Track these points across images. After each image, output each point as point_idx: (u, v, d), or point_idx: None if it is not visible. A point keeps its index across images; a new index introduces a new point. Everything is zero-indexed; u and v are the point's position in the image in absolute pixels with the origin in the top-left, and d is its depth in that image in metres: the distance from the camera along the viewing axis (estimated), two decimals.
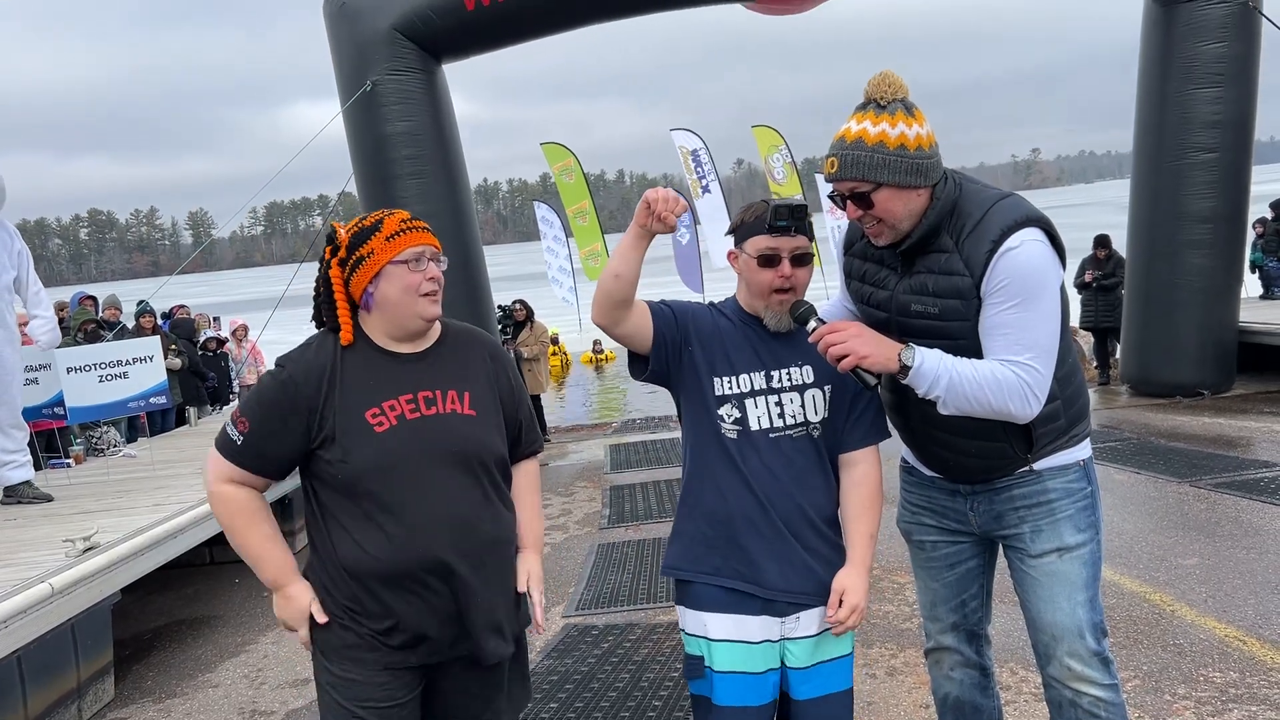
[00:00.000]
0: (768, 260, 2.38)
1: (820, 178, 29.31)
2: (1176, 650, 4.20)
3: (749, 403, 2.42)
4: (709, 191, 26.45)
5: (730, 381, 2.43)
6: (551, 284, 27.72)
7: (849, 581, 2.39)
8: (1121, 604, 4.77)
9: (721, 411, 2.42)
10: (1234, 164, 9.92)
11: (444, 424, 2.29)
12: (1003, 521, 2.58)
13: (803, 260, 2.39)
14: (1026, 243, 2.31)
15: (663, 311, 2.44)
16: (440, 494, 2.25)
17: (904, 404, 2.55)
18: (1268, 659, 4.03)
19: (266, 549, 2.29)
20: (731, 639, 2.40)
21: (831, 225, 26.31)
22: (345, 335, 2.29)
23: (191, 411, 11.42)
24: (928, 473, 2.70)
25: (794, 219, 2.34)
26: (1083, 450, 2.58)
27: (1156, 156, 10.19)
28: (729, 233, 2.49)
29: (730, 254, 2.50)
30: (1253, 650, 4.13)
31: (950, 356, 2.35)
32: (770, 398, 2.43)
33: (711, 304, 2.56)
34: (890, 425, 2.62)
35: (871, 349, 2.30)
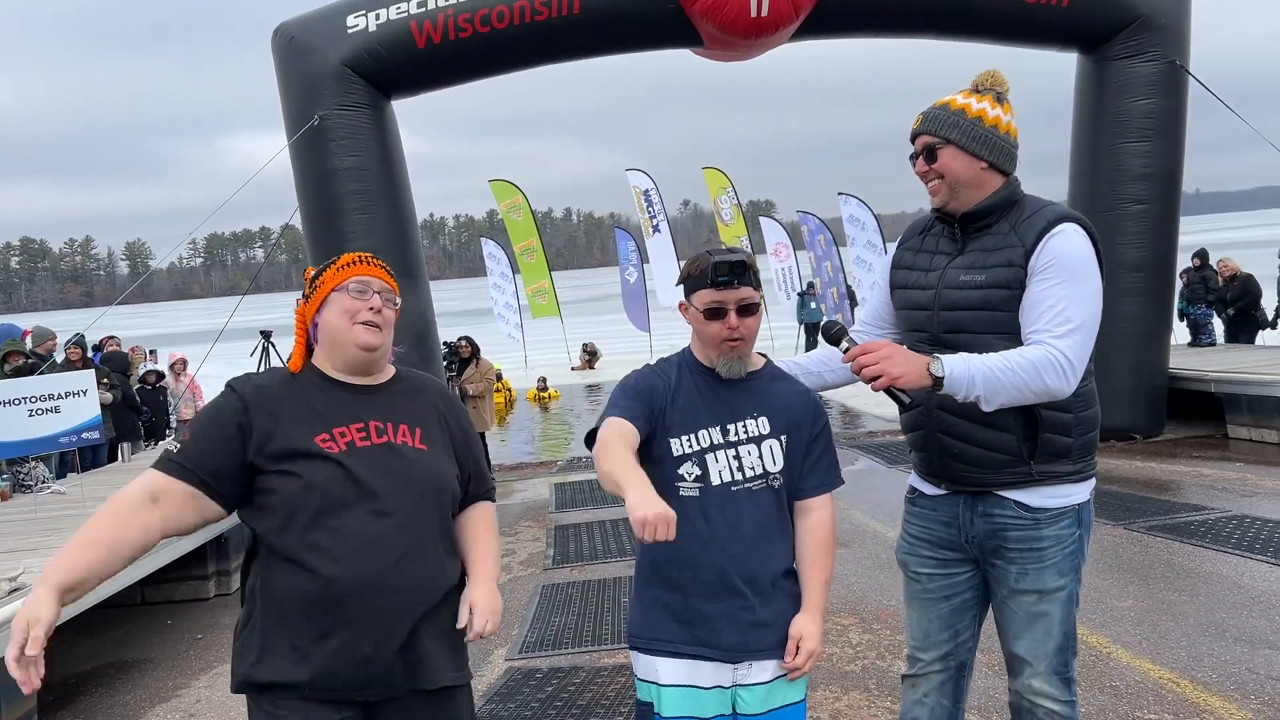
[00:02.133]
0: (714, 313, 2.41)
1: (764, 221, 29.68)
2: (1114, 692, 4.27)
3: (709, 458, 2.42)
4: (659, 230, 26.67)
5: (689, 440, 2.43)
6: (498, 320, 27.64)
7: (806, 628, 2.41)
8: None
9: (682, 470, 2.41)
10: (1163, 215, 10.26)
11: (395, 452, 2.27)
12: (995, 552, 2.67)
13: (749, 310, 2.42)
14: (1075, 233, 2.54)
15: (640, 413, 2.39)
16: (386, 523, 2.21)
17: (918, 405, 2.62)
18: (1200, 700, 4.11)
19: (80, 544, 2.12)
20: (682, 684, 2.39)
21: (776, 268, 26.67)
22: (295, 363, 2.33)
23: (125, 447, 11.15)
24: (931, 491, 2.77)
25: (734, 274, 2.38)
26: (1083, 491, 2.66)
27: (1090, 207, 10.48)
28: (678, 283, 2.52)
29: (680, 305, 2.53)
30: (1185, 692, 4.21)
31: (975, 355, 2.45)
32: (728, 451, 2.43)
33: (662, 359, 2.56)
34: (904, 436, 2.76)
35: (903, 369, 2.41)
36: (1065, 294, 2.47)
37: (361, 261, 2.35)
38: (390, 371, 2.42)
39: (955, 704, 2.85)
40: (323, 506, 2.18)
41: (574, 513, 9.04)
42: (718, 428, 2.44)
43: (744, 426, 2.45)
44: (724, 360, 2.45)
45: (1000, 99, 2.64)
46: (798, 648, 2.39)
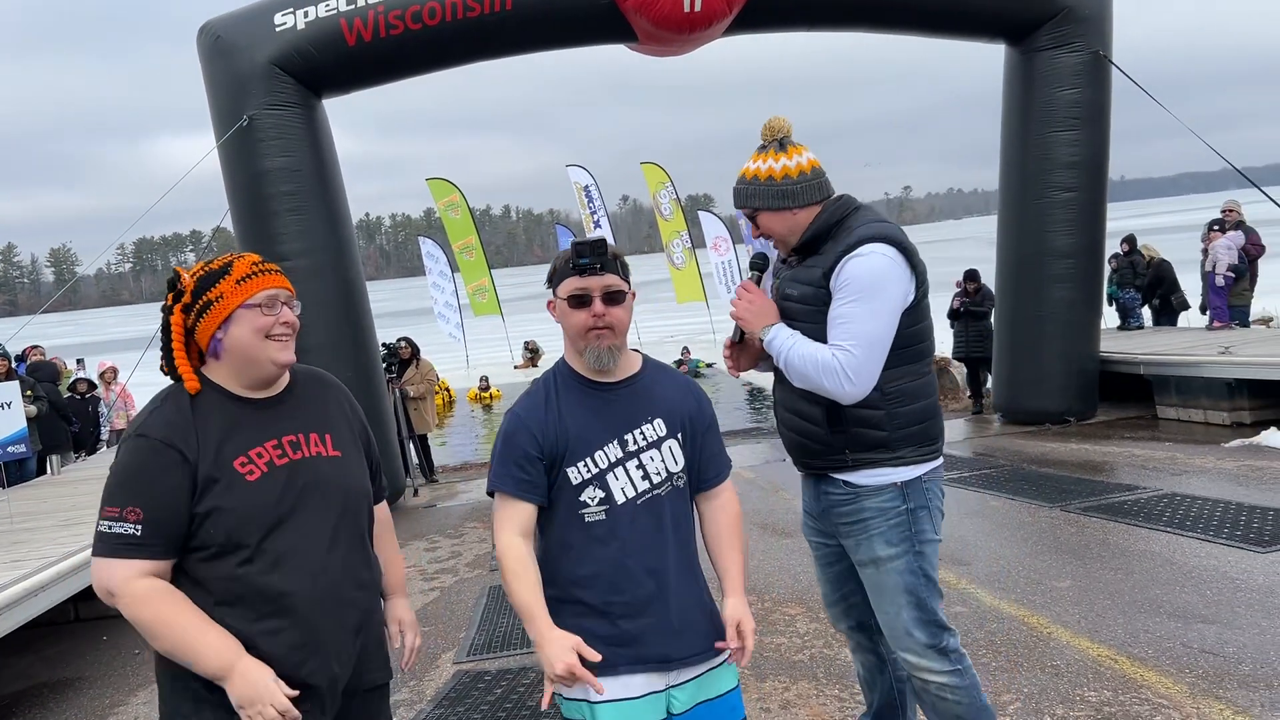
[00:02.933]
0: (579, 301, 2.36)
1: (703, 215, 29.84)
2: (1054, 671, 4.36)
3: (609, 478, 2.37)
4: (599, 226, 26.66)
5: (586, 465, 2.36)
6: (438, 320, 27.41)
7: (740, 611, 2.43)
8: (1002, 628, 4.93)
9: (584, 497, 2.36)
10: (1091, 202, 10.50)
11: (314, 467, 2.22)
12: (836, 527, 3.05)
13: (615, 299, 2.37)
14: (873, 253, 2.81)
15: (532, 482, 2.35)
16: (319, 539, 2.17)
17: (778, 378, 3.06)
18: (1137, 676, 4.21)
19: (204, 631, 2.06)
20: (614, 699, 2.32)
21: (716, 261, 26.79)
22: (192, 384, 2.16)
23: (54, 460, 10.84)
24: (799, 472, 3.18)
25: (595, 255, 2.34)
26: (906, 473, 2.93)
27: (1020, 195, 10.71)
28: (547, 283, 2.47)
29: (549, 304, 2.47)
30: (1124, 669, 4.31)
31: (799, 337, 2.89)
32: (630, 463, 2.39)
33: (536, 382, 2.49)
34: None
35: (751, 317, 2.99)
36: (856, 311, 2.78)
37: (261, 272, 2.20)
38: (287, 376, 2.32)
39: (877, 655, 3.24)
40: (250, 535, 2.10)
41: None
42: (615, 442, 2.38)
43: (641, 434, 2.41)
44: (591, 351, 2.37)
45: (783, 145, 2.99)
46: (739, 633, 2.40)
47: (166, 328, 2.20)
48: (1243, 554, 5.66)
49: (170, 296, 2.21)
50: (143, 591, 2.05)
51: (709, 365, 20.75)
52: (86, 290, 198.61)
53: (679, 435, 2.42)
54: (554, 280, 2.43)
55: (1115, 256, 14.27)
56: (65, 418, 11.02)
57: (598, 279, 2.35)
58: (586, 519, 2.35)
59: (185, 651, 2.06)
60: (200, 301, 2.16)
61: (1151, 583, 5.37)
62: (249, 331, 2.16)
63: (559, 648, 2.20)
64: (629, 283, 2.40)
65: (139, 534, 2.04)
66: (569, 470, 2.35)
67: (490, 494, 2.39)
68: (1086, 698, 4.06)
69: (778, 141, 3.00)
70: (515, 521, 2.34)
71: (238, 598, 2.10)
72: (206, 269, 2.20)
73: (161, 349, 2.22)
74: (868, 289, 2.77)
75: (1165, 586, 5.29)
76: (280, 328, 2.18)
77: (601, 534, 2.34)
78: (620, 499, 2.36)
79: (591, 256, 2.34)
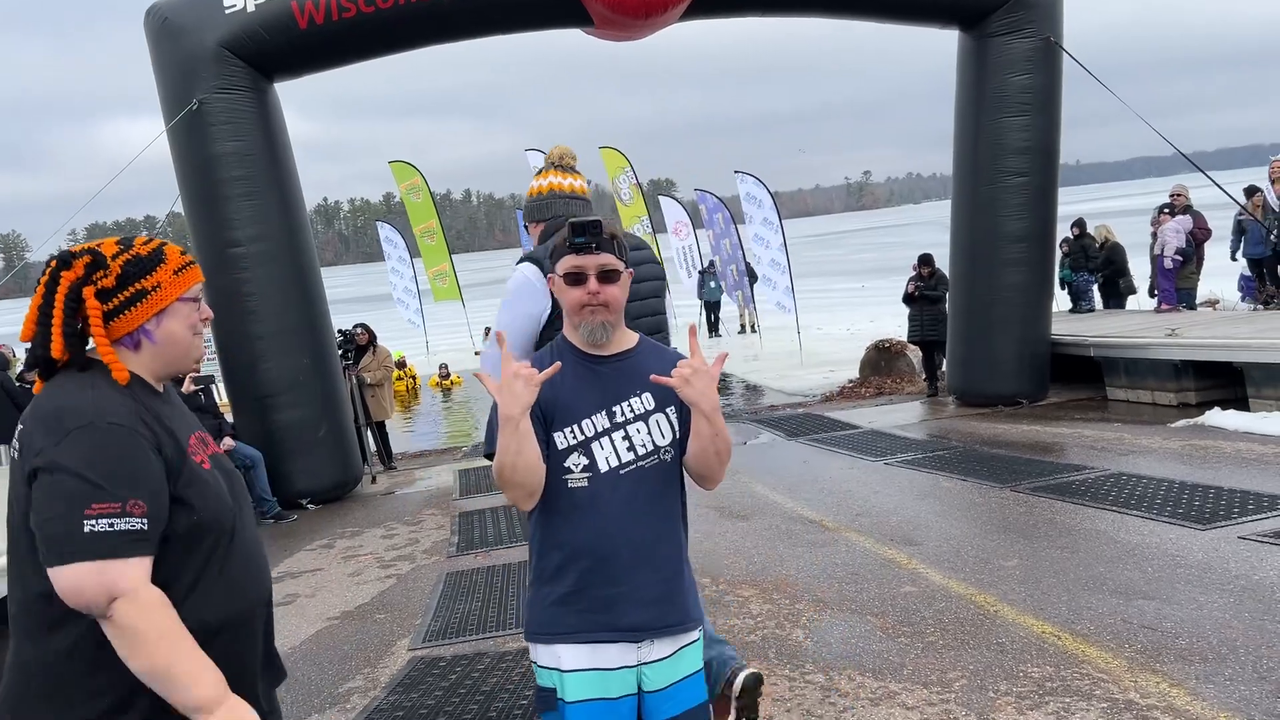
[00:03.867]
0: (575, 278, 2.44)
1: (663, 200, 29.74)
2: (999, 649, 4.45)
3: (594, 445, 2.43)
4: None
5: (572, 431, 2.43)
6: (397, 305, 27.21)
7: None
8: (950, 607, 5.01)
9: (568, 463, 2.41)
10: (1042, 187, 10.63)
11: (222, 461, 2.18)
12: None
13: (610, 277, 2.43)
14: (516, 270, 3.53)
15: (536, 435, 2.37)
16: (251, 534, 2.15)
17: None
18: (1079, 652, 4.31)
19: (202, 656, 1.88)
20: (585, 668, 2.39)
21: (677, 246, 26.83)
22: (122, 375, 1.97)
23: (4, 450, 10.66)
24: None
25: (590, 234, 2.41)
26: None
27: (973, 180, 10.83)
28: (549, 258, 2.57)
29: (549, 278, 2.56)
30: (1066, 645, 4.41)
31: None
32: (616, 434, 2.45)
33: (537, 354, 2.55)
34: None
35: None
36: (500, 313, 3.47)
37: (191, 264, 2.10)
38: None
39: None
40: (212, 530, 2.00)
41: (478, 499, 8.98)
42: (603, 413, 2.45)
43: (629, 406, 2.47)
44: (585, 326, 2.45)
45: (552, 168, 3.81)
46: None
47: (74, 309, 1.96)
48: (1183, 531, 5.80)
49: (73, 275, 1.97)
50: (156, 598, 1.85)
51: None
52: (36, 276, 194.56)
53: (669, 409, 2.48)
54: (554, 256, 2.50)
55: (1066, 240, 14.49)
56: (18, 406, 10.79)
57: (593, 258, 2.42)
58: (570, 484, 2.41)
59: (177, 674, 1.84)
60: (131, 289, 2.00)
61: (1096, 560, 5.49)
62: (183, 326, 2.07)
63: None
64: (625, 261, 2.48)
65: (146, 528, 1.85)
66: (555, 435, 2.42)
67: (489, 456, 2.47)
68: (1029, 674, 4.15)
69: (552, 165, 3.82)
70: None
71: (193, 587, 1.96)
72: (132, 254, 2.03)
73: (64, 332, 1.96)
74: (506, 297, 3.46)
75: (1109, 564, 5.41)
76: (203, 323, 2.14)
77: (583, 501, 2.40)
78: (604, 468, 2.42)
79: (587, 236, 2.42)
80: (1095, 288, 14.60)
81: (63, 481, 1.83)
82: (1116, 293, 14.33)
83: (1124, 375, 10.56)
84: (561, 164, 3.86)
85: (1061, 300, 13.37)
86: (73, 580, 1.81)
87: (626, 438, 2.45)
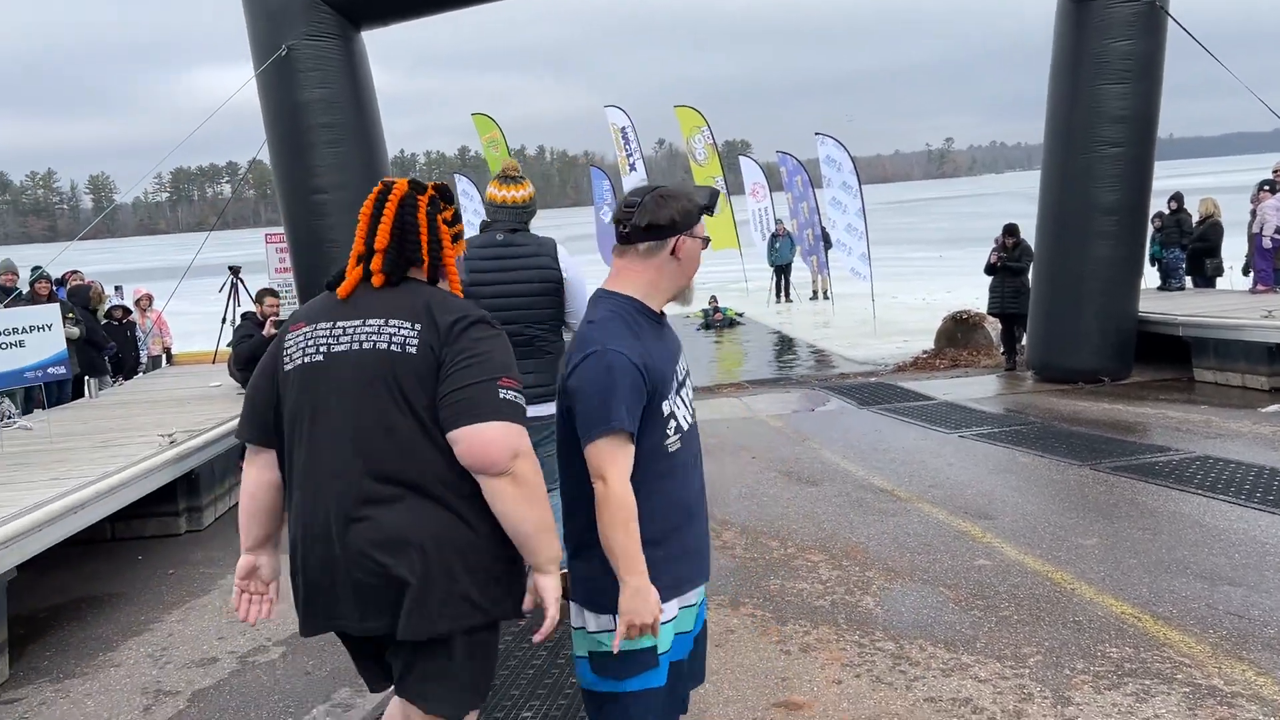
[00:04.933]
0: (706, 242, 2.51)
1: (743, 159, 29.42)
2: (1076, 627, 4.36)
3: (678, 407, 2.44)
4: (635, 169, 26.40)
5: (670, 396, 2.41)
6: None
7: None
8: (1025, 582, 4.93)
9: (669, 428, 2.39)
10: (1138, 158, 10.27)
11: None
12: None
13: None
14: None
15: (637, 423, 2.31)
16: None
17: None
18: (1160, 635, 4.21)
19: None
20: (672, 618, 2.45)
21: (753, 208, 26.55)
22: (459, 290, 2.50)
23: (92, 383, 11.03)
24: None
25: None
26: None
27: (1066, 148, 10.49)
28: (669, 224, 2.39)
29: (678, 242, 2.41)
30: (1146, 626, 4.30)
31: None
32: (684, 390, 2.51)
33: (617, 321, 2.36)
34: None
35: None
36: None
37: None
38: None
39: None
40: None
41: None
42: (678, 370, 2.48)
43: (683, 364, 2.54)
44: (688, 294, 2.52)
45: (495, 180, 4.64)
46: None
47: (436, 234, 2.43)
48: (1274, 519, 5.61)
49: (446, 209, 2.48)
50: (536, 460, 2.30)
51: (739, 315, 20.37)
52: (125, 219, 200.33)
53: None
54: (690, 219, 2.42)
55: (1159, 215, 14.00)
56: (94, 343, 11.10)
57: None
58: (669, 448, 2.40)
59: (547, 529, 2.28)
60: (460, 226, 2.52)
61: (1179, 543, 5.34)
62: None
63: (653, 602, 2.27)
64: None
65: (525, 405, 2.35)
66: (663, 402, 2.38)
67: (596, 438, 2.25)
68: (1108, 654, 4.07)
69: (495, 176, 4.64)
70: (628, 463, 2.27)
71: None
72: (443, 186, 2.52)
73: (430, 250, 2.42)
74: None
75: (1193, 548, 5.26)
76: None
77: (679, 461, 2.42)
78: (685, 426, 2.46)
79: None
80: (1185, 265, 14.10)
81: (488, 349, 2.30)
82: (1202, 272, 13.82)
83: (1213, 356, 10.21)
84: (504, 175, 4.63)
85: (1150, 277, 12.95)
86: (489, 437, 2.22)
87: (687, 394, 2.52)
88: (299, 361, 2.38)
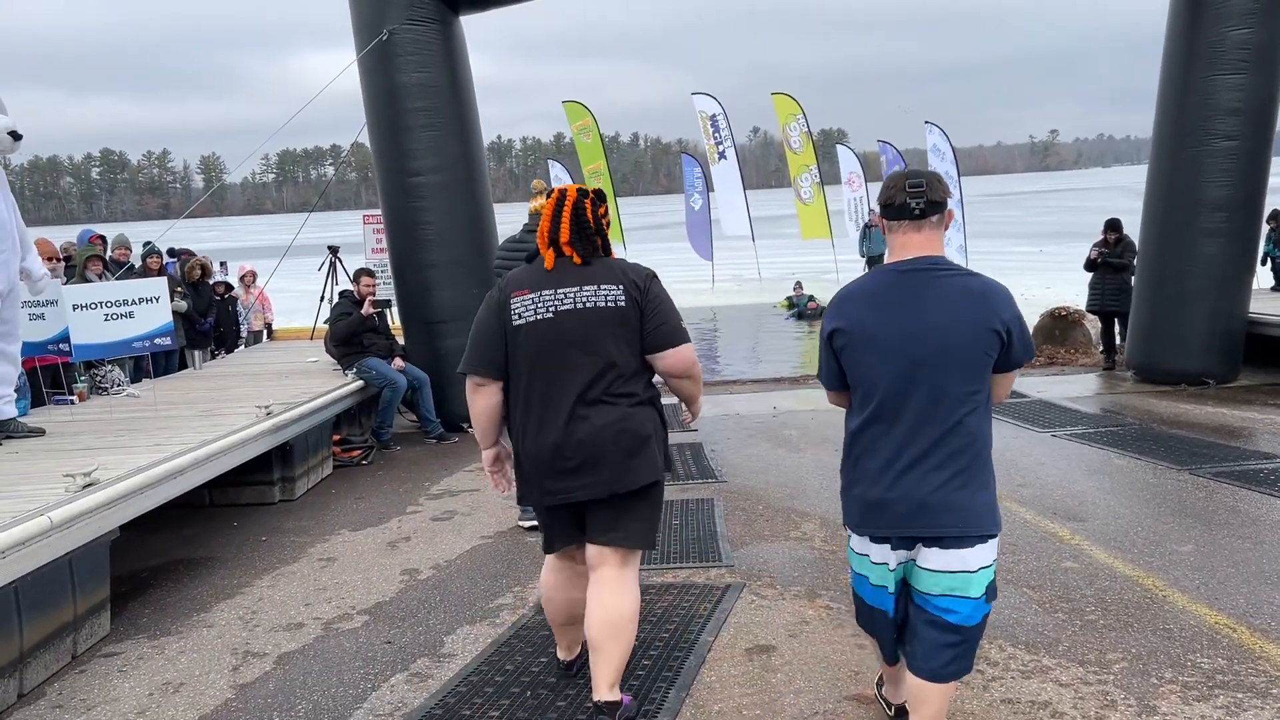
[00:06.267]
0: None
1: (839, 148, 28.98)
2: (1166, 634, 4.22)
3: None
4: (725, 158, 26.27)
5: None
6: None
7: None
8: (1114, 587, 4.78)
9: None
10: (1254, 152, 9.81)
11: None
12: None
13: None
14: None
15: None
16: None
17: None
18: (1256, 647, 4.04)
19: None
20: None
21: (849, 197, 26.20)
22: (613, 254, 3.65)
23: (197, 355, 11.45)
24: None
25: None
26: None
27: (1176, 141, 10.09)
28: (931, 203, 3.00)
29: (949, 213, 3.12)
30: (1242, 638, 4.14)
31: None
32: None
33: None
34: None
35: None
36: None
37: None
38: None
39: None
40: None
41: None
42: None
43: None
44: None
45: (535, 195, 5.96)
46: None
47: (599, 224, 3.53)
48: None
49: (600, 205, 3.56)
50: None
51: (809, 300, 19.81)
52: (233, 198, 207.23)
53: None
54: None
55: (1275, 214, 13.37)
56: (190, 318, 11.41)
57: None
58: None
59: (701, 393, 3.75)
60: (607, 219, 3.61)
61: None
62: None
63: None
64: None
65: None
66: None
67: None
68: (1199, 664, 3.93)
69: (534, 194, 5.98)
70: None
71: None
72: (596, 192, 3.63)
73: (599, 234, 3.53)
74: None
75: None
76: None
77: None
78: None
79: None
80: None
81: (668, 297, 3.50)
82: None
83: None
84: (536, 191, 6.15)
85: (1263, 277, 12.38)
86: (685, 354, 3.47)
87: None
88: (529, 319, 3.39)
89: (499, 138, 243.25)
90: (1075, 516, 5.95)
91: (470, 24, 10.21)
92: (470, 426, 10.14)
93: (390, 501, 7.16)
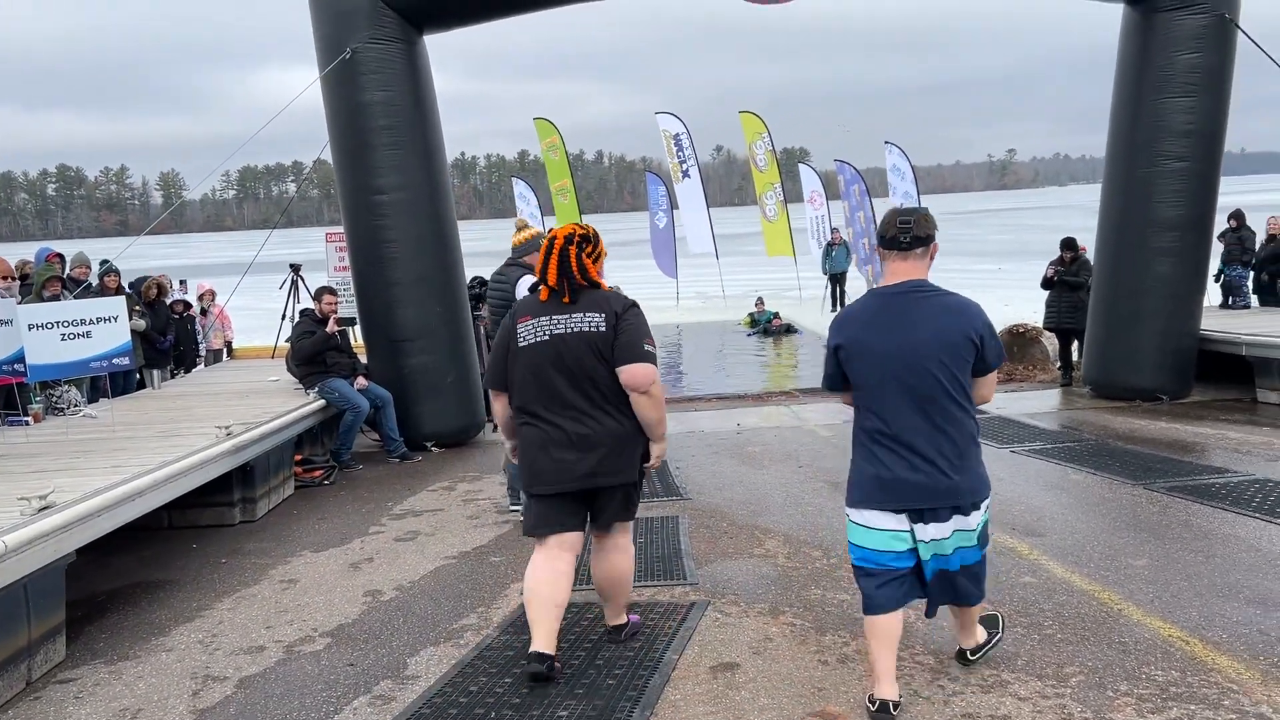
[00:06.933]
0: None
1: (802, 167, 29.21)
2: (1121, 648, 4.29)
3: None
4: (688, 176, 26.42)
5: None
6: None
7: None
8: (1071, 601, 4.86)
9: None
10: (1204, 174, 10.06)
11: None
12: None
13: None
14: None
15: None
16: None
17: None
18: (1209, 659, 4.13)
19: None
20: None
21: (811, 215, 26.44)
22: (606, 286, 4.26)
23: (155, 374, 11.31)
24: None
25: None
26: None
27: (1128, 162, 10.31)
28: (917, 238, 3.67)
29: (934, 246, 3.73)
30: (1195, 651, 4.22)
31: None
32: None
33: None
34: None
35: None
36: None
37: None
38: None
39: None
40: None
41: None
42: None
43: None
44: None
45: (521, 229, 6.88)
46: None
47: (583, 265, 4.13)
48: None
49: (587, 246, 4.19)
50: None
51: (772, 318, 19.81)
52: (192, 215, 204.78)
53: None
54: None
55: (1225, 234, 13.68)
56: (149, 337, 11.26)
57: None
58: None
59: (664, 421, 4.23)
60: (601, 254, 4.28)
61: (1233, 567, 5.23)
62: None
63: None
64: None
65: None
66: None
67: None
68: (1153, 676, 4.00)
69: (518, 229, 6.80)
70: None
71: None
72: (589, 230, 4.30)
73: (580, 274, 4.13)
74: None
75: (1247, 572, 5.15)
76: None
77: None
78: None
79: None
80: (1249, 283, 13.75)
81: (640, 323, 4.11)
82: (1274, 291, 13.46)
83: (1278, 377, 9.95)
84: (519, 227, 7.08)
85: (1213, 295, 12.65)
86: (644, 371, 4.03)
87: None
88: (530, 341, 4.11)
89: (462, 154, 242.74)
90: (1033, 531, 6.04)
91: (433, 41, 10.23)
92: (434, 446, 10.30)
93: (353, 522, 7.11)
